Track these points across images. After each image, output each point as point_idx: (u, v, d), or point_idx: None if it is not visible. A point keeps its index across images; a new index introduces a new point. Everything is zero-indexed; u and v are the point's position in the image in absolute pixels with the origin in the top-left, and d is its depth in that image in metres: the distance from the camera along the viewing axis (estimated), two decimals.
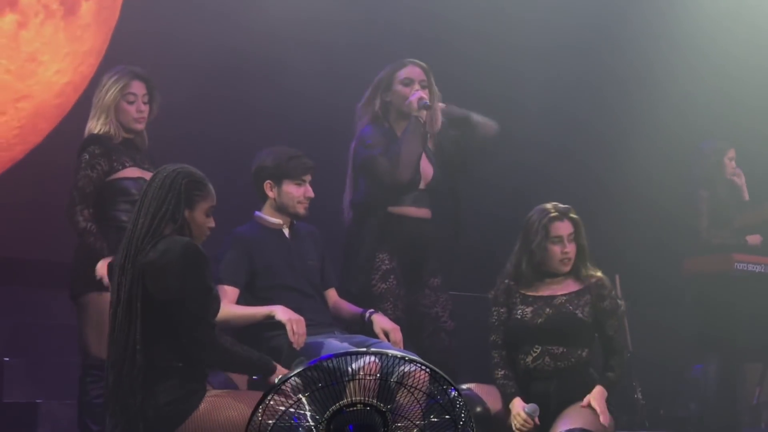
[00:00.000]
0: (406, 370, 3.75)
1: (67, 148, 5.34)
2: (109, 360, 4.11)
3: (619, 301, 5.16)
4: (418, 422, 3.73)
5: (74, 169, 5.13)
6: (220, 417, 4.01)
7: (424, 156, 5.58)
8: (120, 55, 6.58)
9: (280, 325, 4.78)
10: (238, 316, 4.85)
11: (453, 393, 3.72)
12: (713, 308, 6.95)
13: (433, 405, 3.74)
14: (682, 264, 7.14)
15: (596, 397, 4.92)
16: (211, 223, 4.25)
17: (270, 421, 3.66)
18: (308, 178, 5.14)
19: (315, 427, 3.65)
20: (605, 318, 5.07)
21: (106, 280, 4.83)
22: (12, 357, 6.15)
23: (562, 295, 5.09)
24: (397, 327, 5.09)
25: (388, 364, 3.69)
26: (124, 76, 5.23)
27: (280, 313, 4.80)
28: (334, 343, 4.77)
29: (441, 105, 5.60)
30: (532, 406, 4.88)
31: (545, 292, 5.11)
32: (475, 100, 5.77)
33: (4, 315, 6.49)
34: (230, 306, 4.83)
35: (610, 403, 4.94)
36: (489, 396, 5.01)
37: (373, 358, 3.77)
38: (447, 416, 3.72)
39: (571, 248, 5.09)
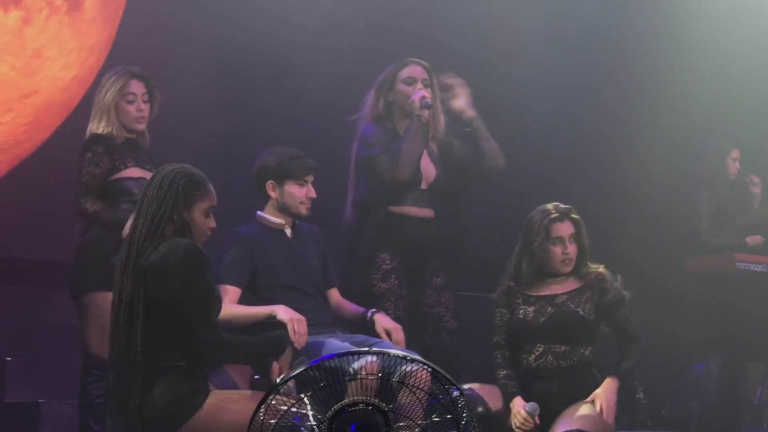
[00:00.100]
0: (407, 369, 3.75)
1: (70, 147, 5.35)
2: (110, 360, 4.11)
3: (624, 292, 5.15)
4: (420, 422, 3.74)
5: (77, 168, 5.13)
6: (223, 417, 4.01)
7: (426, 156, 5.58)
8: (126, 49, 6.61)
9: (281, 325, 4.78)
10: (240, 316, 4.85)
11: (455, 392, 3.72)
12: (715, 308, 6.95)
13: (435, 404, 3.74)
14: (683, 264, 7.15)
15: (604, 391, 4.91)
16: (212, 224, 4.25)
17: (272, 421, 3.66)
18: (310, 178, 5.14)
19: (317, 427, 3.65)
20: (613, 310, 5.07)
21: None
22: (13, 357, 6.15)
23: (563, 293, 5.09)
24: (399, 327, 5.09)
25: (389, 364, 3.69)
26: (123, 76, 5.23)
27: (282, 312, 4.80)
28: (335, 343, 4.78)
29: (472, 114, 5.59)
30: (532, 405, 4.89)
31: (547, 291, 5.11)
32: (477, 101, 5.76)
33: (6, 314, 6.49)
34: (232, 306, 4.83)
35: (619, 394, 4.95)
36: (490, 396, 5.01)
37: (373, 357, 3.77)
38: (449, 416, 3.72)
39: (572, 249, 5.09)
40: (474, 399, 4.90)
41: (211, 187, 4.25)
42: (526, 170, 7.38)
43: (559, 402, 4.94)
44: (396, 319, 5.19)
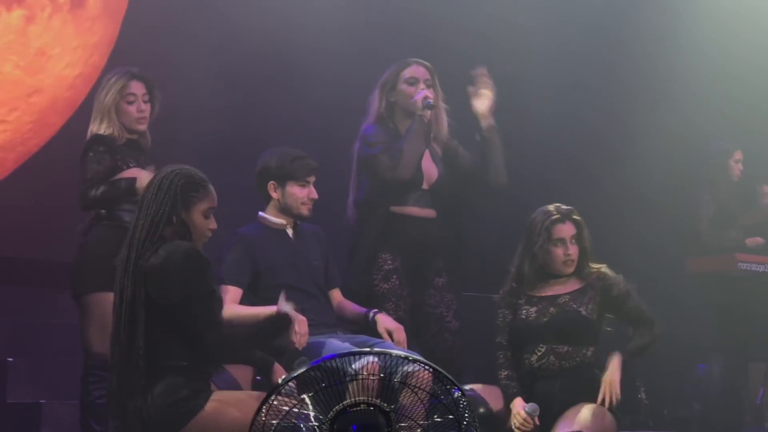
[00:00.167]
0: (408, 370, 3.75)
1: (74, 145, 5.34)
2: (111, 361, 4.11)
3: (628, 285, 5.14)
4: (421, 422, 3.74)
5: (80, 169, 5.14)
6: (225, 418, 4.01)
7: (428, 156, 5.58)
8: (130, 46, 6.61)
9: (283, 323, 4.77)
10: (241, 316, 4.84)
11: (456, 393, 3.72)
12: (716, 308, 6.95)
13: (437, 405, 3.74)
14: (684, 264, 7.15)
15: (609, 372, 4.91)
16: (212, 225, 4.24)
17: (273, 421, 3.66)
18: (312, 179, 5.14)
19: (318, 427, 3.65)
20: (621, 304, 5.06)
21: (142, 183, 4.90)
22: (15, 357, 6.14)
23: (565, 293, 5.09)
24: (401, 327, 5.09)
25: (390, 364, 3.69)
26: (123, 77, 5.25)
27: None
28: (336, 343, 4.77)
29: (491, 123, 5.55)
30: (532, 406, 4.89)
31: (549, 292, 5.11)
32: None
33: (7, 315, 6.49)
34: (233, 306, 4.83)
35: (626, 373, 4.95)
36: (492, 396, 5.01)
37: (373, 358, 3.77)
38: (450, 416, 3.72)
39: (573, 250, 5.09)
40: (475, 400, 4.90)
41: (211, 188, 4.25)
42: (528, 171, 7.37)
43: (561, 402, 4.94)
44: (397, 320, 5.18)
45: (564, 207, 5.15)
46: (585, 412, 4.88)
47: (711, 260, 7.01)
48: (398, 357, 3.73)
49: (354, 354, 3.72)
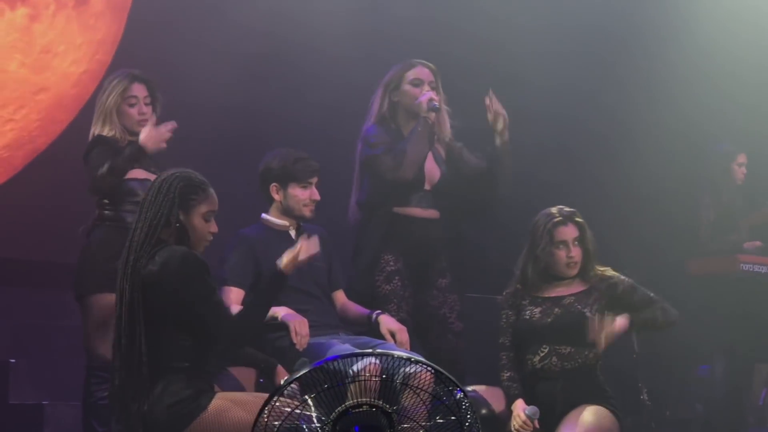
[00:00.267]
0: (410, 371, 3.75)
1: (77, 145, 5.35)
2: (113, 363, 4.12)
3: (629, 279, 5.15)
4: (423, 423, 3.74)
5: (86, 170, 5.15)
6: (227, 419, 4.01)
7: (431, 157, 5.58)
8: (135, 42, 6.61)
9: (284, 326, 4.79)
10: None
11: (459, 394, 3.72)
12: (718, 310, 6.94)
13: (439, 406, 3.74)
14: (686, 266, 7.14)
15: (610, 320, 4.92)
16: (212, 228, 4.24)
17: (276, 422, 3.66)
18: (314, 180, 5.14)
19: (321, 428, 3.65)
20: (628, 299, 5.06)
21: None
22: (17, 358, 6.15)
23: (570, 295, 5.09)
24: (404, 328, 5.09)
25: (391, 366, 3.69)
26: (124, 80, 5.26)
27: (283, 314, 4.81)
28: (337, 345, 4.78)
29: (505, 140, 5.54)
30: (532, 409, 4.89)
31: (554, 293, 5.12)
32: (479, 103, 5.76)
33: (10, 316, 6.49)
34: (235, 307, 4.83)
35: (635, 330, 5.00)
36: (495, 398, 5.01)
37: (374, 359, 3.77)
38: (452, 417, 3.72)
39: (576, 252, 5.09)
40: (478, 401, 4.90)
41: (211, 191, 4.24)
42: (530, 172, 7.38)
43: (563, 404, 4.94)
44: (400, 321, 5.18)
45: (566, 209, 5.16)
46: (587, 413, 4.88)
47: (713, 262, 7.01)
48: (399, 358, 3.73)
49: (356, 355, 3.73)
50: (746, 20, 7.98)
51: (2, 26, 6.07)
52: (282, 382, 3.76)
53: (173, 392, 4.01)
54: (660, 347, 6.97)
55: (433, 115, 5.48)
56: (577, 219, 5.13)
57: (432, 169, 5.59)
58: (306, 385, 3.69)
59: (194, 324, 4.07)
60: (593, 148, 7.96)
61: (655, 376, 7.05)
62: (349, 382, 3.66)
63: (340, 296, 5.28)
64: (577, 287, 5.12)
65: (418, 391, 3.73)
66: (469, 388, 4.94)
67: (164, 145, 5.16)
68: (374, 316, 5.14)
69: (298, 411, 3.65)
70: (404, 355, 3.80)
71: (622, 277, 5.15)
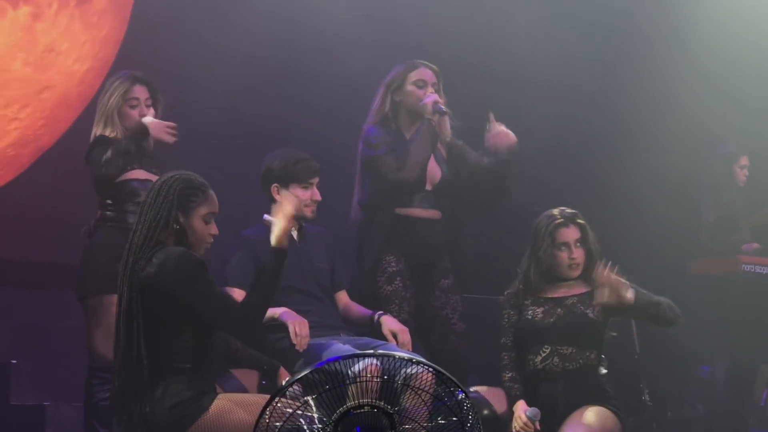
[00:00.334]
0: (411, 371, 3.75)
1: (83, 144, 5.35)
2: (113, 364, 4.12)
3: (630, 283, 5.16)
4: (425, 424, 3.74)
5: (90, 169, 5.15)
6: (229, 420, 4.01)
7: (432, 157, 5.58)
8: (139, 39, 6.61)
9: (284, 327, 4.79)
10: None
11: (460, 395, 3.72)
12: (720, 310, 6.94)
13: (440, 407, 3.74)
14: (688, 266, 7.14)
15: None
16: (212, 230, 4.23)
17: (277, 424, 3.66)
18: (315, 180, 5.14)
19: (322, 429, 3.65)
20: (639, 295, 5.05)
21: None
22: (19, 359, 6.15)
23: (573, 296, 5.09)
24: (406, 329, 5.09)
25: (392, 366, 3.69)
26: (126, 81, 5.26)
27: (283, 315, 4.81)
28: (337, 346, 4.78)
29: (509, 159, 5.56)
30: (533, 410, 4.89)
31: (557, 293, 5.12)
32: (481, 104, 5.76)
33: (11, 317, 6.49)
34: None
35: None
36: (497, 399, 5.01)
37: (373, 360, 3.77)
38: (454, 418, 3.72)
39: (578, 253, 5.09)
40: (479, 402, 4.90)
41: (211, 193, 4.23)
42: (531, 173, 7.38)
43: (565, 405, 4.94)
44: (402, 322, 5.18)
45: (568, 211, 5.16)
46: (589, 414, 4.89)
47: (714, 262, 7.01)
48: (402, 359, 3.73)
49: (357, 356, 3.73)
50: (748, 20, 7.97)
51: (5, 25, 6.07)
52: (283, 383, 3.77)
53: (175, 393, 4.01)
54: (661, 348, 6.97)
55: (437, 117, 5.48)
56: (579, 220, 5.13)
57: (433, 170, 5.59)
58: (307, 386, 3.69)
59: (197, 322, 4.07)
60: (594, 149, 7.95)
61: (657, 377, 7.05)
62: (349, 383, 3.66)
63: (343, 297, 5.27)
64: (580, 288, 5.12)
65: (419, 391, 3.73)
66: (472, 389, 4.94)
67: (166, 137, 5.16)
68: (376, 317, 5.15)
69: (299, 412, 3.65)
70: (405, 356, 3.80)
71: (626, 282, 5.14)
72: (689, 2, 8.01)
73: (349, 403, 3.66)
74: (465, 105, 5.70)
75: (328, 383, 3.63)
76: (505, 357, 5.10)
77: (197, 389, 4.05)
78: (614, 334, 5.16)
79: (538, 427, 4.90)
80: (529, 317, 5.09)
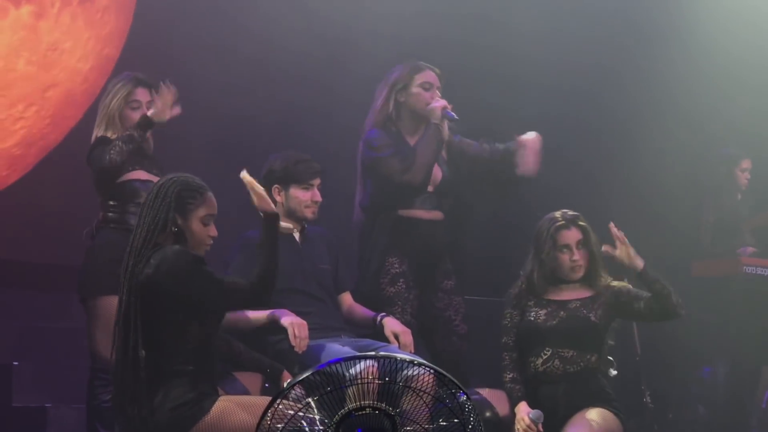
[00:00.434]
0: (411, 373, 3.75)
1: (85, 145, 5.36)
2: (112, 368, 4.12)
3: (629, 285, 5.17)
4: (427, 426, 3.74)
5: (91, 170, 5.15)
6: (230, 422, 4.01)
7: None
8: (144, 34, 6.60)
9: (285, 329, 4.79)
10: (243, 320, 4.86)
11: (462, 397, 3.72)
12: (721, 312, 6.94)
13: (442, 409, 3.74)
14: (690, 268, 7.14)
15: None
16: (211, 232, 4.23)
17: (279, 426, 3.66)
18: (316, 182, 5.14)
19: (324, 431, 3.65)
20: (634, 302, 5.05)
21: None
22: (21, 361, 6.15)
23: (576, 299, 5.10)
24: (408, 330, 5.09)
25: (393, 368, 3.70)
26: (128, 84, 5.27)
27: (283, 316, 4.81)
28: (335, 348, 4.78)
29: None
30: (536, 413, 4.89)
31: (560, 296, 5.12)
32: (482, 105, 5.77)
33: (13, 318, 6.49)
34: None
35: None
36: (499, 401, 5.01)
37: (372, 362, 3.78)
38: (455, 420, 3.72)
39: (580, 255, 5.10)
40: (482, 404, 4.90)
41: (210, 194, 4.24)
42: (537, 175, 7.39)
43: (566, 407, 4.94)
44: (404, 324, 5.19)
45: (570, 213, 5.16)
46: (591, 415, 4.89)
47: (716, 264, 7.01)
48: (403, 361, 3.73)
49: (357, 357, 3.73)
50: (750, 22, 7.97)
51: (7, 25, 6.06)
52: (285, 384, 3.77)
53: (176, 395, 4.02)
54: (662, 349, 6.97)
55: (445, 123, 5.47)
56: (581, 222, 5.14)
57: (435, 171, 5.59)
58: (308, 388, 3.69)
59: (203, 314, 4.08)
60: (595, 150, 7.95)
61: (658, 379, 7.04)
62: (347, 386, 3.66)
63: (346, 298, 5.28)
64: (583, 292, 5.13)
65: (420, 393, 3.73)
66: (473, 391, 4.94)
67: (168, 113, 5.16)
68: (379, 318, 5.15)
69: (301, 414, 3.66)
70: (407, 357, 3.81)
71: (632, 288, 5.14)
72: (691, 3, 8.00)
73: (351, 405, 3.66)
74: (466, 106, 5.70)
75: (330, 385, 3.64)
76: (506, 357, 5.10)
77: (199, 391, 4.05)
78: (612, 342, 5.16)
79: (541, 430, 4.89)
80: (531, 319, 5.09)
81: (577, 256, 5.09)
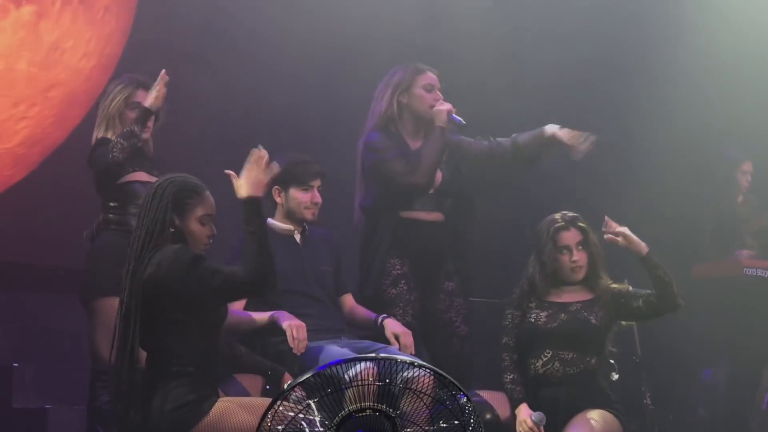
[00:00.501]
0: (411, 374, 3.75)
1: (88, 144, 5.36)
2: (111, 370, 4.12)
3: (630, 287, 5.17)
4: (427, 428, 3.73)
5: (92, 171, 5.15)
6: (230, 424, 4.01)
7: None
8: (145, 35, 6.60)
9: (282, 331, 4.79)
10: (243, 322, 4.86)
11: (462, 399, 3.72)
12: (722, 313, 6.94)
13: (442, 410, 3.74)
14: (691, 270, 7.13)
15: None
16: (209, 232, 4.24)
17: (279, 427, 3.66)
18: (317, 183, 5.14)
19: None
20: (631, 303, 5.05)
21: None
22: (21, 362, 6.15)
23: (578, 302, 5.10)
24: (408, 331, 5.09)
25: (392, 369, 3.69)
26: (129, 86, 5.27)
27: (281, 318, 4.81)
28: (334, 349, 4.78)
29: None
30: (538, 415, 4.89)
31: (561, 299, 5.12)
32: (484, 106, 5.77)
33: (14, 320, 6.49)
34: (236, 311, 4.83)
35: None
36: (499, 403, 5.01)
37: (370, 364, 3.78)
38: (456, 422, 3.72)
39: (579, 256, 5.10)
40: (482, 406, 4.90)
41: (207, 194, 4.24)
42: (536, 175, 7.37)
43: (567, 409, 4.94)
44: (405, 325, 5.19)
45: (569, 214, 5.17)
46: (592, 417, 4.89)
47: (717, 266, 7.01)
48: (403, 362, 3.73)
49: (357, 359, 3.73)
50: (754, 23, 7.96)
51: (8, 25, 6.05)
52: (285, 386, 3.77)
53: (176, 397, 4.02)
54: (663, 351, 6.96)
55: (450, 127, 5.47)
56: (580, 223, 5.14)
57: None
58: (309, 389, 3.69)
59: (205, 309, 4.09)
60: (597, 151, 7.93)
61: (658, 381, 7.04)
62: (345, 388, 3.66)
63: (348, 300, 5.28)
64: (584, 295, 5.14)
65: (419, 394, 3.73)
66: (474, 393, 4.94)
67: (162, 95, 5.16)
68: (380, 319, 5.15)
69: (301, 415, 3.65)
70: (406, 359, 3.80)
71: (631, 288, 5.15)
72: (693, 3, 8.00)
73: (351, 407, 3.66)
74: (471, 110, 5.70)
75: (330, 387, 3.64)
76: (507, 358, 5.10)
77: (199, 393, 4.05)
78: (614, 349, 5.17)
79: None
80: (532, 320, 5.09)
81: (576, 257, 5.09)
